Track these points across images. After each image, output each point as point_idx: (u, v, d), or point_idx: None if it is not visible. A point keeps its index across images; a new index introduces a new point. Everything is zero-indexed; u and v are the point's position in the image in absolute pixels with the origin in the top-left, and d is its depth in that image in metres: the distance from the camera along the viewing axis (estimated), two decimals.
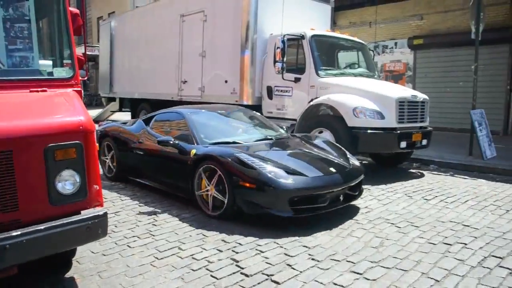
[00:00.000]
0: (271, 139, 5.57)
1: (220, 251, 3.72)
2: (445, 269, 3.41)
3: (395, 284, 3.14)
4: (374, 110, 6.61)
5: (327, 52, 8.19)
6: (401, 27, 14.47)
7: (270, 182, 4.23)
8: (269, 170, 4.35)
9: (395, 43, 14.72)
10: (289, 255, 3.63)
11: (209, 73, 9.19)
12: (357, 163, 5.21)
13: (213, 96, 8.95)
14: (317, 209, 4.41)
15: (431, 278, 3.24)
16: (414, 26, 14.15)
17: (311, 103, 7.23)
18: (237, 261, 3.50)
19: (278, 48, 7.51)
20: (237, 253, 3.68)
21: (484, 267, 3.48)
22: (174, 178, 5.19)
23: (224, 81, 8.74)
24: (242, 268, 3.37)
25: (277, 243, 3.90)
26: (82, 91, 3.54)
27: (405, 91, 7.25)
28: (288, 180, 4.28)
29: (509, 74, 11.90)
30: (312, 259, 3.56)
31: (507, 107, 11.93)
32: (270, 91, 8.15)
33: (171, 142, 5.08)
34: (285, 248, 3.78)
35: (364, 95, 6.80)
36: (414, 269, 3.40)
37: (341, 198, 4.70)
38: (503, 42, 11.90)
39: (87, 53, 3.88)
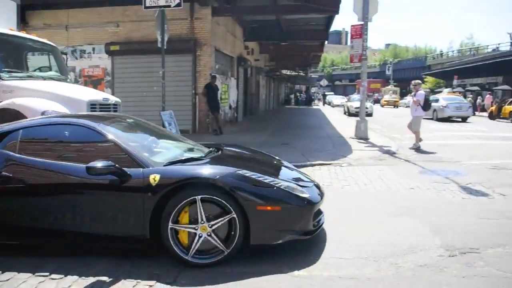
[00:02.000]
0: (217, 150, 4.80)
1: None
2: None
3: None
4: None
5: (12, 54, 7.57)
6: (98, 32, 14.61)
7: (298, 199, 3.72)
8: (285, 185, 3.80)
9: (93, 48, 14.76)
10: None
11: None
12: None
13: None
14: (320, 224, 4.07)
15: None
16: (111, 33, 14.52)
17: None
18: None
19: None
20: None
21: None
22: (110, 221, 3.68)
23: None
24: None
25: None
26: None
27: (97, 94, 7.45)
28: (307, 194, 3.86)
29: (193, 80, 13.69)
30: None
31: (194, 109, 13.71)
32: None
33: (112, 167, 3.50)
34: None
35: (54, 98, 6.65)
36: None
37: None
38: (188, 52, 13.62)
39: None
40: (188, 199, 3.53)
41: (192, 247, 3.57)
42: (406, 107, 47.60)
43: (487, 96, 35.34)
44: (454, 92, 36.51)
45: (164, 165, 3.78)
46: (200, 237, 3.56)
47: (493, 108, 26.71)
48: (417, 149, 10.92)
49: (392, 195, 6.25)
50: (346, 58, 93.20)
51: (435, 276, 3.41)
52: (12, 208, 3.82)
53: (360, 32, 13.68)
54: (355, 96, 31.42)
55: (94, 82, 14.54)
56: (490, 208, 5.43)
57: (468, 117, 23.70)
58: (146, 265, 3.64)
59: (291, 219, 3.73)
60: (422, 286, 3.24)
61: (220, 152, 4.79)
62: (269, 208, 3.58)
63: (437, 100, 23.52)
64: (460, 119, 23.12)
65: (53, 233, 3.79)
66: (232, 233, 3.57)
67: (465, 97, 36.19)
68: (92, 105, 6.95)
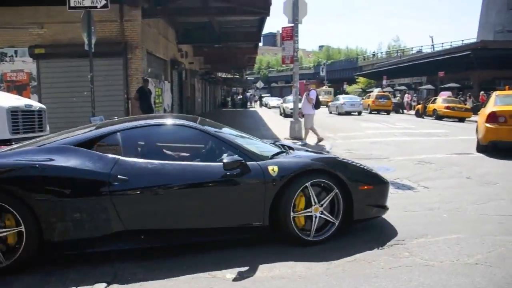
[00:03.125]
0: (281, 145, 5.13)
1: None
2: None
3: None
4: None
5: None
6: (21, 34, 13.76)
7: (382, 179, 4.57)
8: (370, 168, 4.65)
9: (15, 51, 13.89)
10: None
11: None
12: None
13: None
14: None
15: None
16: (35, 35, 13.73)
17: None
18: None
19: None
20: None
21: None
22: (233, 213, 3.98)
23: None
24: None
25: None
26: None
27: (18, 100, 7.03)
28: None
29: (125, 84, 13.31)
30: None
31: (127, 114, 13.32)
32: None
33: (242, 162, 3.85)
34: None
35: None
36: None
37: None
38: (119, 55, 13.21)
39: None
40: (304, 185, 4.00)
41: (312, 228, 4.10)
42: None
43: (406, 94, 37.60)
44: (384, 91, 38.28)
45: (269, 158, 4.16)
46: (315, 217, 4.10)
47: (419, 106, 28.35)
48: (319, 141, 12.01)
49: None
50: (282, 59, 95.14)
51: (364, 270, 3.55)
52: (134, 212, 3.76)
53: (291, 34, 13.97)
54: (290, 97, 32.02)
55: (18, 87, 13.67)
56: (415, 201, 5.74)
57: (360, 111, 30.38)
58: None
59: (380, 196, 4.49)
60: (351, 281, 3.35)
61: (283, 145, 5.09)
62: (366, 187, 4.28)
63: (338, 99, 32.18)
64: (356, 113, 29.90)
65: (176, 232, 3.90)
66: (336, 209, 4.19)
67: (394, 96, 38.18)
68: (13, 112, 6.55)
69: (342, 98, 31.88)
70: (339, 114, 29.99)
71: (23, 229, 3.51)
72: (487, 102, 11.33)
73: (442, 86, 33.75)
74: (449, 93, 28.93)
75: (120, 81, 13.35)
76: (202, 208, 3.90)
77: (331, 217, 4.15)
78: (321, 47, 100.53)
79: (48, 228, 3.58)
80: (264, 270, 3.61)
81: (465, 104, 26.12)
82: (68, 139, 4.00)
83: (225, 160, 3.79)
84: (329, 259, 3.79)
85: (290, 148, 4.92)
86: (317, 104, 12.54)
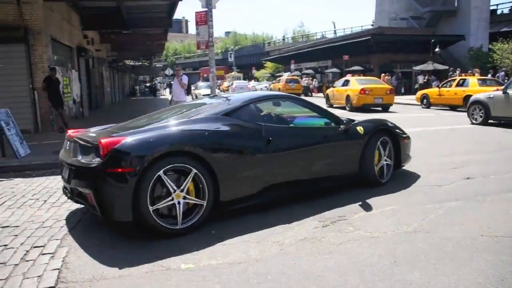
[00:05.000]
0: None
1: None
2: None
3: None
4: None
5: None
6: None
7: (408, 135, 6.08)
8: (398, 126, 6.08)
9: None
10: None
11: None
12: None
13: None
14: None
15: None
16: None
17: None
18: None
19: None
20: None
21: (27, 260, 3.50)
22: (338, 165, 5.22)
23: None
24: None
25: None
26: None
27: None
28: None
29: (29, 73, 12.19)
30: None
31: (34, 105, 12.25)
32: None
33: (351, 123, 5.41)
34: None
35: None
36: None
37: None
38: (18, 42, 12.02)
39: None
40: (379, 141, 5.49)
41: (385, 173, 5.64)
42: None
43: (304, 78, 39.13)
44: (293, 75, 39.41)
45: (347, 122, 5.28)
46: (383, 165, 5.61)
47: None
48: None
49: None
50: (189, 46, 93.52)
51: (317, 247, 3.65)
52: (281, 167, 4.63)
53: (205, 18, 13.72)
54: (202, 83, 31.80)
55: None
56: None
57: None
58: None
59: (409, 147, 6.13)
60: (307, 259, 3.42)
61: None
62: (405, 140, 5.92)
63: (231, 85, 40.84)
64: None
65: (304, 182, 4.90)
66: (394, 158, 5.77)
67: (301, 79, 39.40)
68: None
69: (234, 84, 39.06)
70: None
71: (206, 190, 4.05)
72: (345, 83, 20.48)
73: (347, 69, 35.58)
74: (352, 76, 30.49)
75: (23, 70, 12.14)
76: (323, 160, 5.04)
77: (390, 162, 5.73)
78: (227, 33, 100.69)
79: (223, 186, 4.14)
80: (219, 256, 3.55)
81: None
82: (217, 110, 4.64)
83: (344, 123, 5.22)
84: (279, 240, 3.84)
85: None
86: (188, 90, 12.29)
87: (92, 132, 4.67)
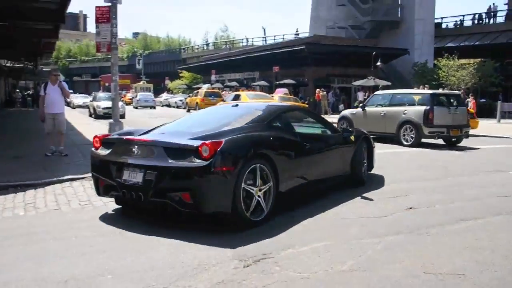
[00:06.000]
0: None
1: None
2: None
3: None
4: None
5: None
6: None
7: None
8: None
9: None
10: None
11: None
12: None
13: None
14: None
15: None
16: None
17: None
18: None
19: None
20: None
21: None
22: (336, 166, 7.38)
23: None
24: None
25: None
26: None
27: None
28: None
29: None
30: None
31: None
32: None
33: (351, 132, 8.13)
34: None
35: None
36: None
37: None
38: None
39: None
40: (363, 146, 7.96)
41: (365, 173, 8.15)
42: (163, 106, 49.77)
43: (223, 92, 39.29)
44: (213, 88, 39.70)
45: (341, 131, 7.83)
46: (364, 163, 8.09)
47: None
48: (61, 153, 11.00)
49: None
50: (87, 48, 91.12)
51: None
52: (312, 167, 6.57)
53: (107, 15, 13.42)
54: (103, 94, 30.95)
55: None
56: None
57: (153, 107, 43.17)
58: None
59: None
60: None
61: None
62: (374, 147, 8.65)
63: (135, 97, 45.97)
64: (149, 107, 42.45)
65: (321, 181, 6.89)
66: (368, 156, 8.34)
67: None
68: None
69: (139, 95, 45.45)
70: (135, 108, 42.12)
71: (272, 185, 5.57)
72: (236, 97, 24.49)
73: (278, 82, 36.52)
74: (285, 90, 31.28)
75: None
76: (330, 162, 7.11)
77: (366, 164, 8.16)
78: (136, 34, 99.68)
79: (282, 181, 5.77)
80: None
81: (304, 103, 28.74)
82: (259, 118, 6.37)
83: (346, 133, 7.68)
84: (191, 284, 3.75)
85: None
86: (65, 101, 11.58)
87: (158, 134, 6.01)
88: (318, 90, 31.87)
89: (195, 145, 5.05)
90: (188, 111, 35.00)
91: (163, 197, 5.13)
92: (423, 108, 14.12)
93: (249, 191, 5.27)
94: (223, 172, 4.98)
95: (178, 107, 45.96)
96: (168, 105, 49.75)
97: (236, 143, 5.32)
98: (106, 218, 5.74)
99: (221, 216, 5.20)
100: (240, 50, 54.64)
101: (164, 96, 54.26)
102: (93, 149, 6.08)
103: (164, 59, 74.30)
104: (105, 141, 6.01)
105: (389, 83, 32.29)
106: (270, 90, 35.81)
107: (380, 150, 10.75)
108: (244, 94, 25.62)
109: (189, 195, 4.96)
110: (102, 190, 5.85)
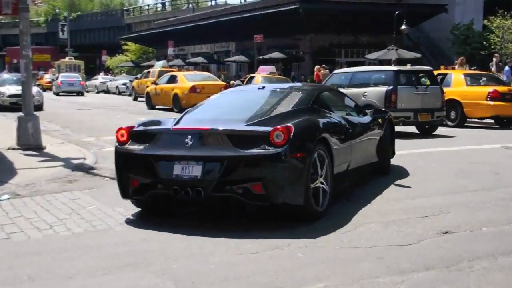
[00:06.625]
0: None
1: None
2: None
3: None
4: None
5: None
6: None
7: None
8: None
9: None
10: None
11: None
12: None
13: None
14: None
15: None
16: None
17: None
18: None
19: None
20: None
21: None
22: (369, 151, 9.12)
23: None
24: None
25: None
26: None
27: None
28: None
29: None
30: None
31: None
32: None
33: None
34: None
35: None
36: None
37: None
38: None
39: None
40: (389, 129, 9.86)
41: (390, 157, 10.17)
42: (99, 92, 49.46)
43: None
44: (170, 66, 39.53)
45: (371, 112, 9.63)
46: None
47: None
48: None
49: (101, 238, 6.24)
50: None
51: None
52: (354, 152, 8.09)
53: None
54: (8, 75, 30.66)
55: None
56: None
57: (81, 92, 46.81)
58: None
59: None
60: None
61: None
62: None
63: (56, 79, 50.00)
64: (75, 94, 45.80)
65: (349, 171, 7.98)
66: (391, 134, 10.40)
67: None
68: None
69: (61, 76, 49.21)
70: (55, 94, 46.06)
71: (329, 174, 6.93)
72: (171, 79, 27.16)
73: (261, 57, 36.26)
74: (271, 67, 31.00)
75: None
76: (365, 148, 8.67)
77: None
78: None
79: (335, 169, 7.10)
80: None
81: None
82: (303, 101, 7.79)
83: (377, 114, 9.61)
84: None
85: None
86: None
87: (207, 122, 6.92)
88: (317, 67, 31.40)
89: (267, 131, 6.14)
90: (135, 99, 34.76)
91: (226, 191, 6.18)
92: (384, 88, 15.45)
93: (314, 179, 6.50)
94: (297, 158, 6.20)
95: (120, 93, 45.72)
96: (107, 91, 49.45)
97: (302, 128, 6.57)
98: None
99: (290, 209, 6.43)
100: (208, 12, 54.38)
101: (100, 78, 54.04)
102: (117, 144, 6.83)
103: (100, 25, 73.81)
104: (135, 134, 6.84)
105: (418, 55, 31.92)
106: (251, 68, 35.67)
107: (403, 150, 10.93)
108: (181, 74, 28.13)
109: (261, 186, 6.04)
110: (134, 190, 6.72)
